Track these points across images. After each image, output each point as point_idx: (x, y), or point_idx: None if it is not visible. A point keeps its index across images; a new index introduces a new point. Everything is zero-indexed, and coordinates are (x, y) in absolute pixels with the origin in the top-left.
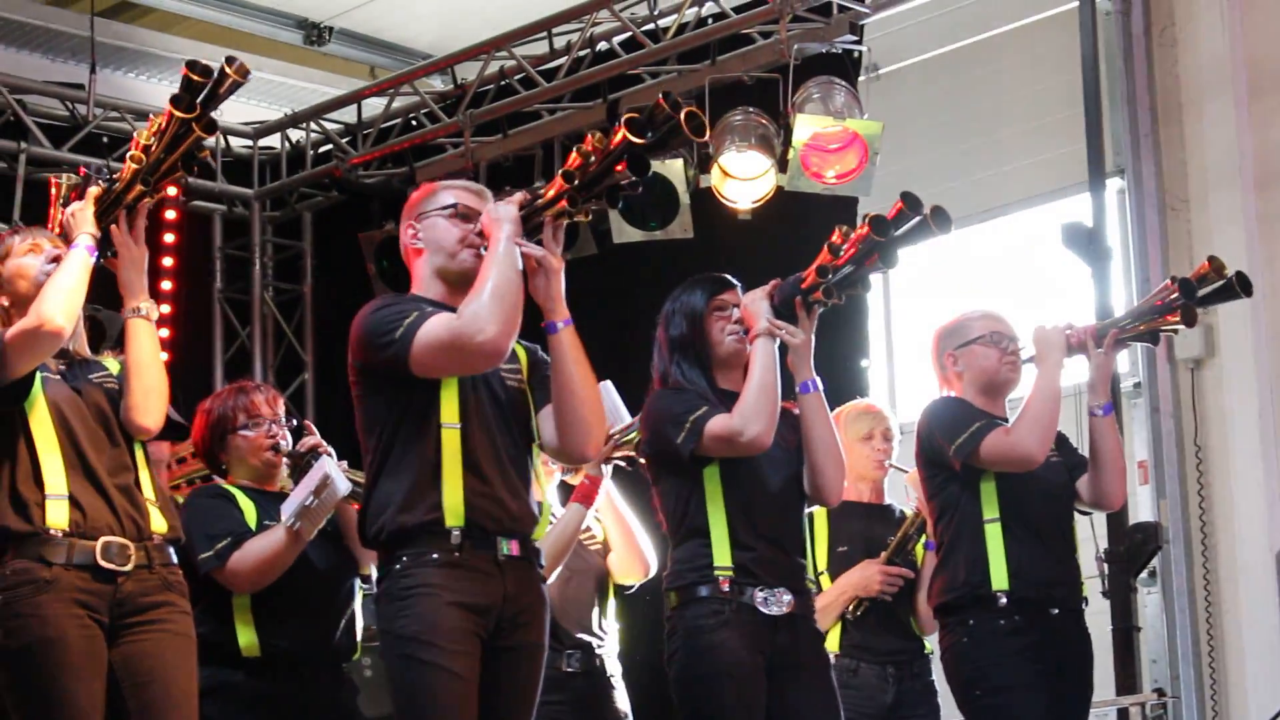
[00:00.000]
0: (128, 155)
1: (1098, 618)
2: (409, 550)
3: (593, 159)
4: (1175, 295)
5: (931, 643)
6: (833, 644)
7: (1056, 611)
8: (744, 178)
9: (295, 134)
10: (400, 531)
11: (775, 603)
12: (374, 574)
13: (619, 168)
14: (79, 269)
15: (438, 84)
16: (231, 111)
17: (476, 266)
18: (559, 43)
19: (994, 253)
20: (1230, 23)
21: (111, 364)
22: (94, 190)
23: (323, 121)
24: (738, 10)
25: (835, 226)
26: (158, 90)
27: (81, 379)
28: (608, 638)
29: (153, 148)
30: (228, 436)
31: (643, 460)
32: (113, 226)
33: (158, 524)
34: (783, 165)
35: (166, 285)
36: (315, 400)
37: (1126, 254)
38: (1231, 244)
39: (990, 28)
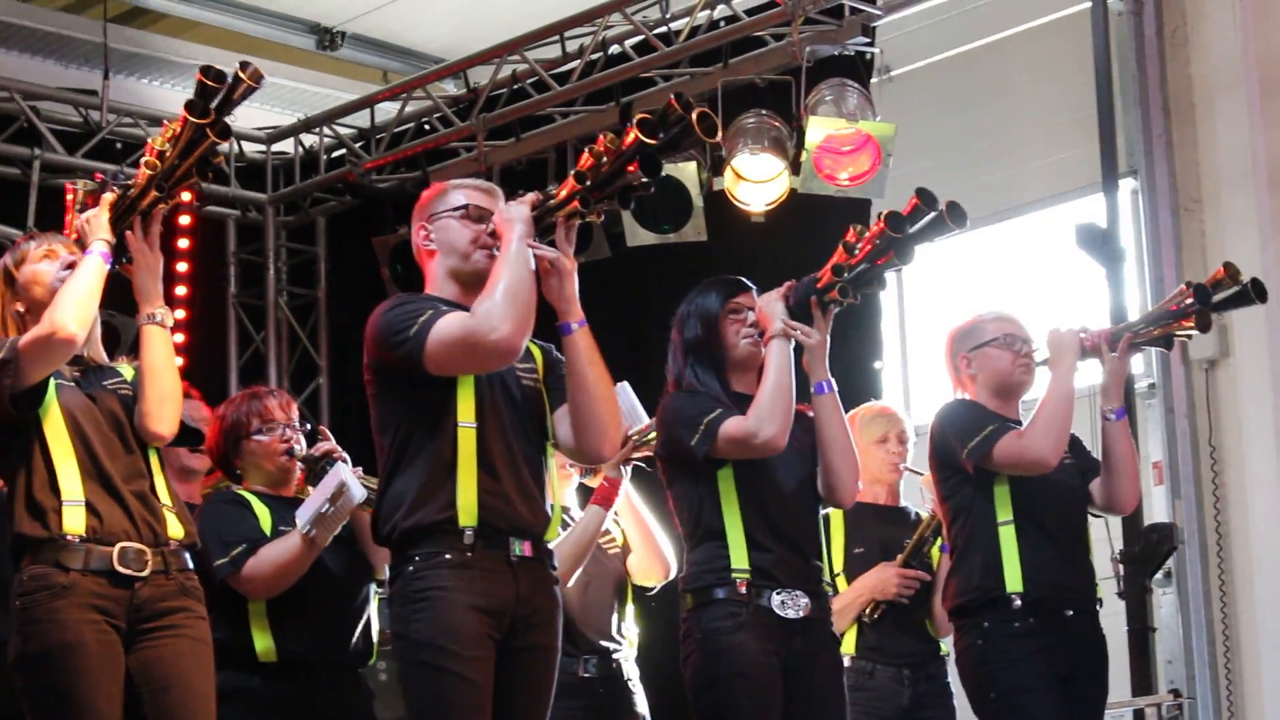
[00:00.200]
0: (142, 161)
1: (1113, 619)
2: (421, 550)
3: (605, 159)
4: (1190, 301)
5: (947, 645)
6: (849, 646)
7: (1071, 613)
8: (757, 180)
9: (309, 139)
10: (413, 530)
11: (792, 605)
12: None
13: (631, 168)
14: (94, 275)
15: (450, 88)
16: (245, 117)
17: (489, 267)
18: (571, 46)
19: (1007, 254)
20: (1242, 22)
21: (126, 370)
22: (109, 196)
23: (336, 126)
24: (750, 13)
25: (849, 226)
26: (171, 96)
27: (96, 385)
28: (626, 642)
29: (167, 153)
30: (242, 442)
31: (657, 464)
32: (128, 232)
33: (174, 530)
34: (796, 168)
35: (181, 291)
36: (330, 405)
37: (1140, 255)
38: (1245, 244)
39: (1002, 29)
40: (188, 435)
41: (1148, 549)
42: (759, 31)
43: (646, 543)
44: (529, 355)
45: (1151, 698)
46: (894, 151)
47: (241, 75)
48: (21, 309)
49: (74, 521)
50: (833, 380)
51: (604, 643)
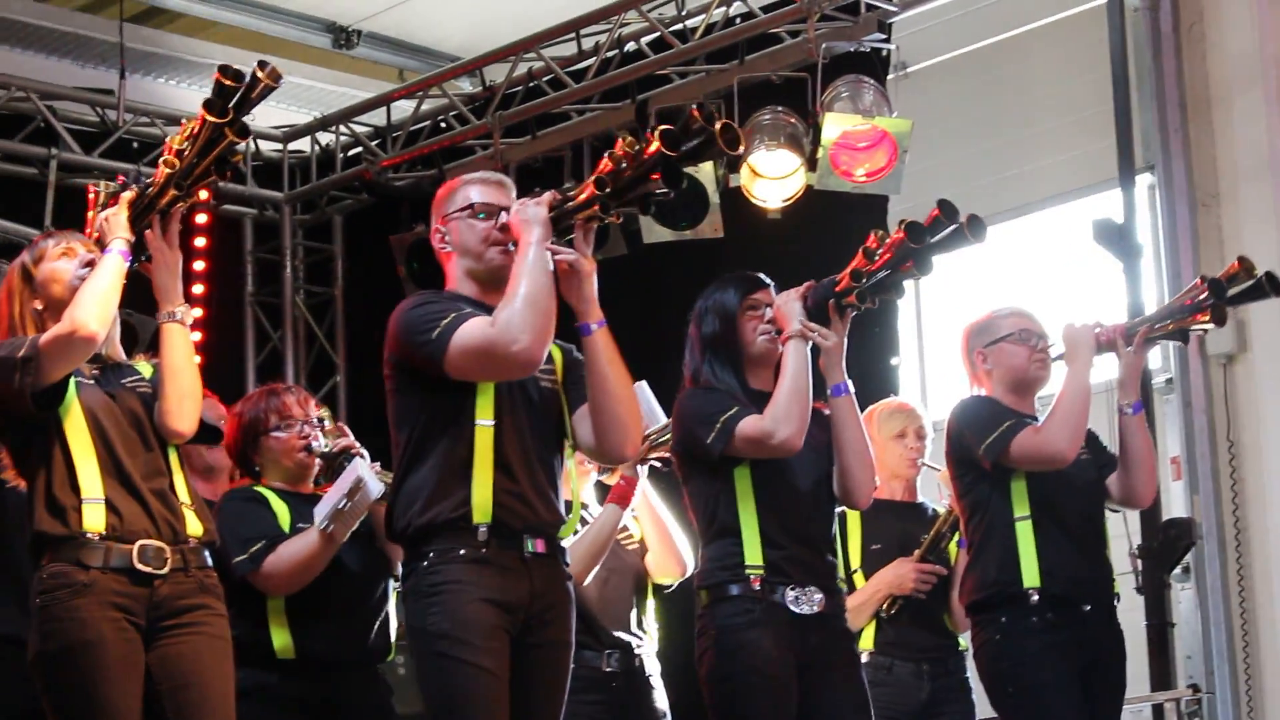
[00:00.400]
0: (161, 160)
1: (1132, 614)
2: (435, 546)
3: (625, 165)
4: (1205, 295)
5: (966, 640)
6: (867, 642)
7: (1088, 608)
8: (773, 177)
9: (325, 137)
10: (427, 526)
11: (806, 602)
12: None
13: (653, 177)
14: (113, 274)
15: (466, 86)
16: (261, 115)
17: (505, 263)
18: (587, 44)
19: (1024, 250)
20: (1259, 18)
21: (145, 368)
22: (127, 195)
23: (352, 124)
24: (765, 10)
25: (871, 230)
26: (187, 95)
27: (115, 384)
28: (646, 637)
29: (186, 152)
30: (260, 438)
31: (673, 461)
32: (147, 231)
33: (193, 527)
34: (812, 164)
35: (198, 289)
36: (348, 403)
37: (1157, 250)
38: (1262, 239)
39: (1019, 25)
40: (207, 433)
41: (1166, 544)
42: (775, 28)
43: (663, 540)
44: (548, 356)
45: (1170, 693)
46: (910, 147)
47: (260, 74)
48: (40, 307)
49: (94, 519)
50: (850, 382)
51: (625, 637)
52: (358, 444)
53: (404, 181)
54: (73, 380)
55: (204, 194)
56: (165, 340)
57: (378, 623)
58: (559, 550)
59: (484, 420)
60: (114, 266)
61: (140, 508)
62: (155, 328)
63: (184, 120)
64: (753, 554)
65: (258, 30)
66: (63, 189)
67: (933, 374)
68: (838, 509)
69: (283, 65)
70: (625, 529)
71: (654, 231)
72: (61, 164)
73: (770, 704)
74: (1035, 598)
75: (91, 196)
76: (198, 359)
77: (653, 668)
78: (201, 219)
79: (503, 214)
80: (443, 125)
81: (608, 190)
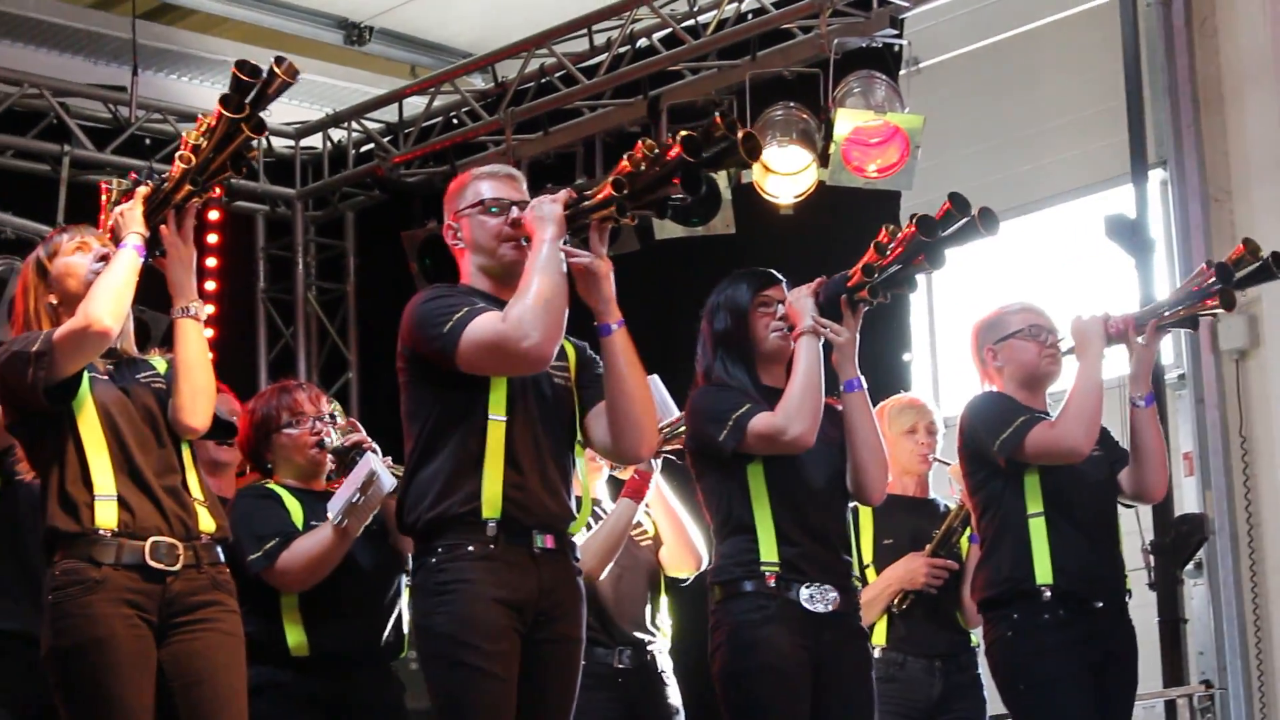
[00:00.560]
0: (176, 155)
1: (1144, 610)
2: (444, 541)
3: (644, 167)
4: (1212, 280)
5: (978, 636)
6: (879, 638)
7: (1101, 604)
8: (785, 173)
9: (337, 134)
10: (437, 520)
11: (821, 599)
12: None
13: (672, 182)
14: (127, 269)
15: (478, 82)
16: (274, 112)
17: (518, 259)
18: (599, 40)
19: (1037, 245)
20: (1271, 12)
21: (159, 363)
22: (142, 190)
23: (364, 121)
24: (777, 5)
25: (882, 225)
26: (199, 92)
27: (129, 379)
28: (660, 634)
29: (202, 147)
30: (272, 435)
31: (687, 456)
32: (162, 226)
33: (205, 524)
34: (824, 160)
35: (210, 286)
36: (360, 399)
37: (1169, 245)
38: (1275, 233)
39: (1031, 20)
40: (220, 429)
41: (1178, 540)
42: (787, 24)
43: (678, 534)
44: (561, 353)
45: (1183, 689)
46: (923, 143)
47: (277, 70)
48: (55, 301)
49: (106, 516)
50: (862, 378)
51: (638, 634)
52: (369, 439)
53: (416, 178)
54: (86, 375)
55: (217, 190)
56: (179, 336)
57: (391, 619)
58: (569, 546)
59: (496, 415)
60: (129, 261)
61: (152, 504)
62: (168, 323)
63: (200, 116)
64: (768, 550)
65: (270, 27)
66: (75, 185)
67: (945, 369)
68: (850, 505)
69: (295, 62)
70: (638, 524)
71: (665, 228)
72: (74, 160)
73: (784, 701)
74: (1047, 594)
75: (105, 196)
76: (210, 355)
77: (665, 664)
78: (214, 215)
79: (514, 209)
80: (455, 121)
81: (625, 192)
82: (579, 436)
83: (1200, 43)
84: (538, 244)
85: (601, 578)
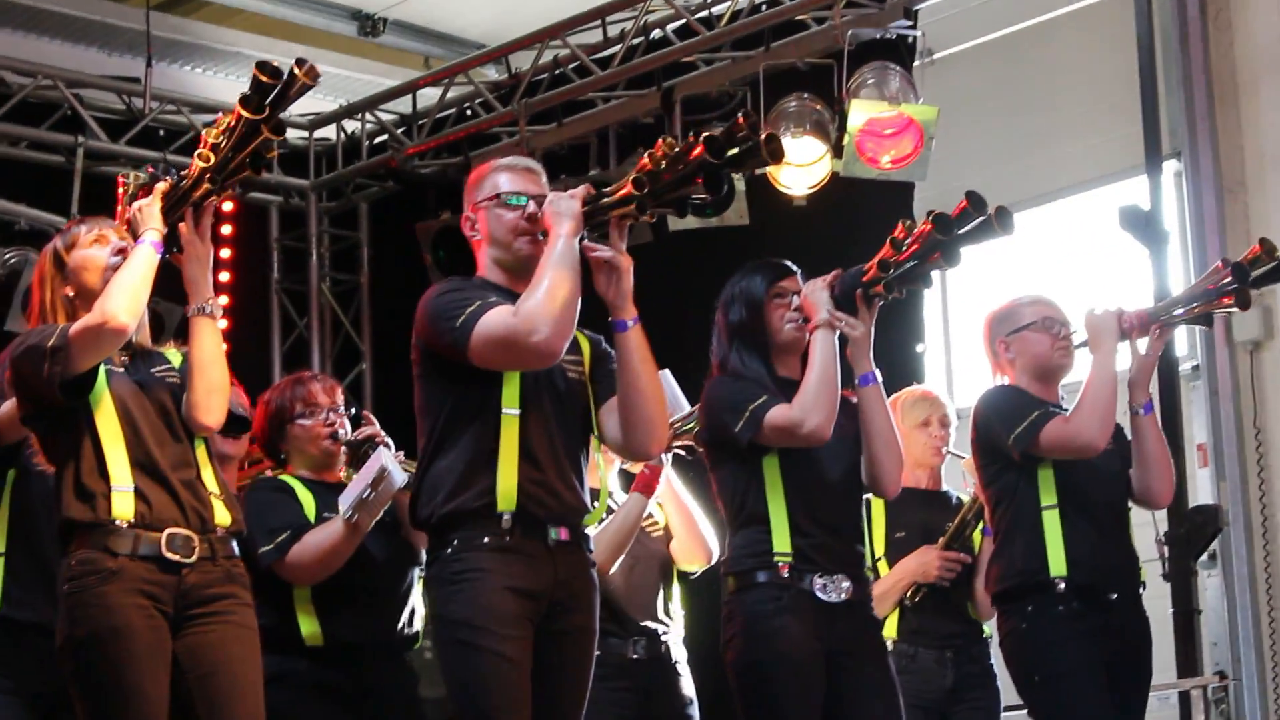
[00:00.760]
0: (195, 154)
1: (1158, 601)
2: (459, 534)
3: (665, 166)
4: (1228, 279)
5: (990, 627)
6: (891, 630)
7: (1114, 596)
8: (799, 164)
9: (351, 125)
10: (452, 514)
11: (834, 589)
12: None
13: (695, 182)
14: (145, 266)
15: (492, 73)
16: None
17: (533, 253)
18: (613, 31)
19: (1051, 237)
20: None
21: (174, 356)
22: (161, 186)
23: (378, 112)
24: None
25: (898, 220)
26: (213, 83)
27: (145, 372)
28: (673, 624)
29: (221, 147)
30: (286, 426)
31: (700, 449)
32: (180, 224)
33: (221, 517)
34: (838, 151)
35: (224, 277)
36: (373, 391)
37: (1184, 237)
38: None
39: (1045, 12)
40: (235, 423)
41: (1192, 531)
42: (801, 15)
43: (688, 528)
44: (576, 346)
45: (1197, 679)
46: (936, 134)
47: (297, 72)
48: (71, 294)
49: (122, 507)
50: (877, 371)
51: (651, 624)
52: (382, 432)
53: (430, 169)
54: (103, 368)
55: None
56: (195, 334)
57: (404, 611)
58: (583, 538)
59: (510, 409)
60: (146, 258)
61: (169, 496)
62: (181, 316)
63: (219, 112)
64: (781, 541)
65: (284, 18)
66: (89, 177)
67: (958, 361)
68: (864, 497)
69: (309, 53)
70: (650, 516)
71: (679, 219)
72: (88, 152)
73: (797, 691)
74: (1062, 586)
75: (121, 189)
76: (225, 347)
77: (679, 654)
78: (227, 207)
79: (531, 203)
80: (468, 112)
81: (646, 190)
82: (594, 430)
83: (1215, 35)
84: (554, 239)
85: (613, 570)
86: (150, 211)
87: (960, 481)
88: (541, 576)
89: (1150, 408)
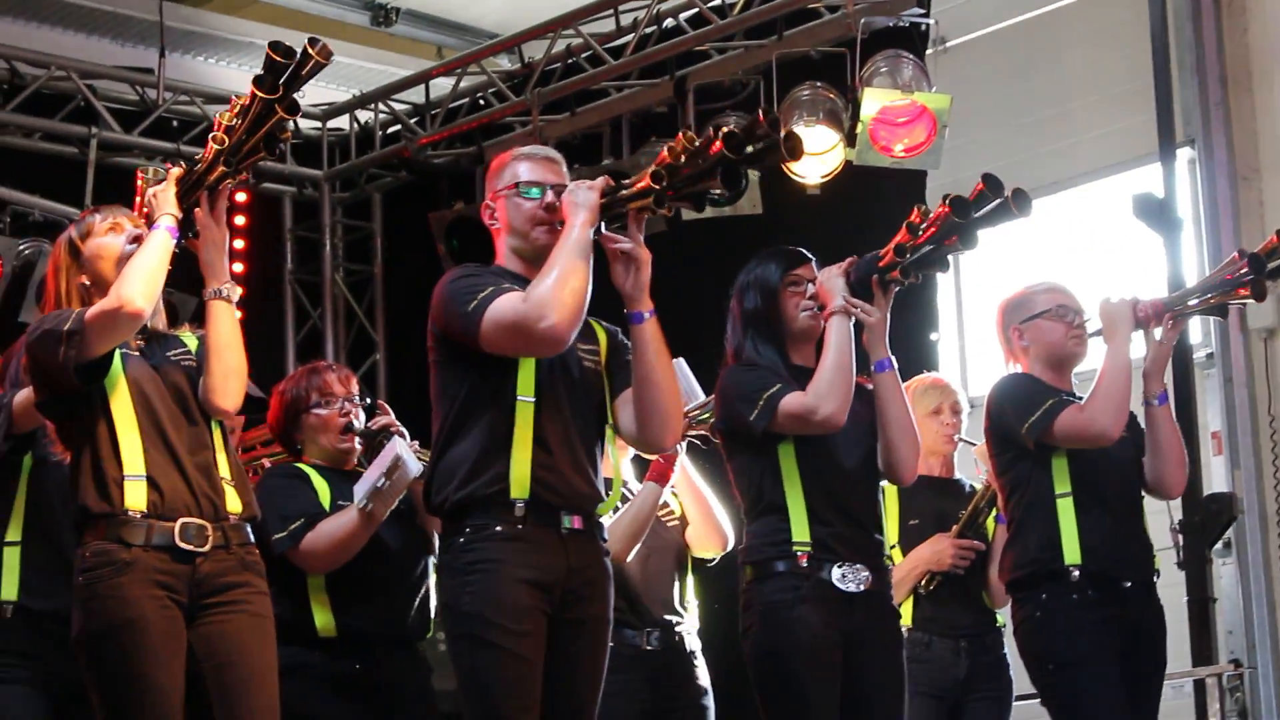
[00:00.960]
0: (210, 136)
1: (1173, 589)
2: (472, 521)
3: (683, 161)
4: (1244, 270)
5: (1004, 615)
6: (905, 618)
7: (1129, 584)
8: (812, 153)
9: (364, 115)
10: (465, 501)
11: (853, 579)
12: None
13: (712, 180)
14: (161, 250)
15: (505, 63)
16: (301, 93)
17: (551, 242)
18: (625, 20)
19: (1064, 225)
20: None
21: (190, 340)
22: (176, 171)
23: (391, 102)
24: None
25: (914, 205)
26: (226, 74)
27: (161, 356)
28: (688, 614)
29: (235, 128)
30: (301, 415)
31: (716, 439)
32: (196, 208)
33: (233, 504)
34: (851, 140)
35: (237, 268)
36: (387, 381)
37: (1198, 224)
38: None
39: None
40: (252, 405)
41: (1207, 519)
42: (813, 4)
43: (704, 516)
44: (593, 336)
45: (1212, 668)
46: (949, 122)
47: (310, 51)
48: (87, 282)
49: (135, 497)
50: (893, 358)
51: (666, 615)
52: (397, 422)
53: (443, 159)
54: (118, 352)
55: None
56: (211, 317)
57: (418, 600)
58: (597, 526)
59: (524, 396)
60: (161, 243)
61: (183, 483)
62: (196, 304)
63: (233, 97)
64: (799, 530)
65: (297, 8)
66: (103, 168)
67: (972, 348)
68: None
69: None
70: (665, 504)
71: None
72: (102, 143)
73: (816, 680)
74: (1076, 574)
75: (140, 183)
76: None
77: (694, 645)
78: (241, 197)
79: (550, 192)
80: (481, 102)
81: (664, 184)
82: (609, 420)
83: (1228, 22)
84: (569, 228)
85: (628, 560)
86: (165, 197)
87: (973, 469)
88: (554, 565)
89: (1164, 398)
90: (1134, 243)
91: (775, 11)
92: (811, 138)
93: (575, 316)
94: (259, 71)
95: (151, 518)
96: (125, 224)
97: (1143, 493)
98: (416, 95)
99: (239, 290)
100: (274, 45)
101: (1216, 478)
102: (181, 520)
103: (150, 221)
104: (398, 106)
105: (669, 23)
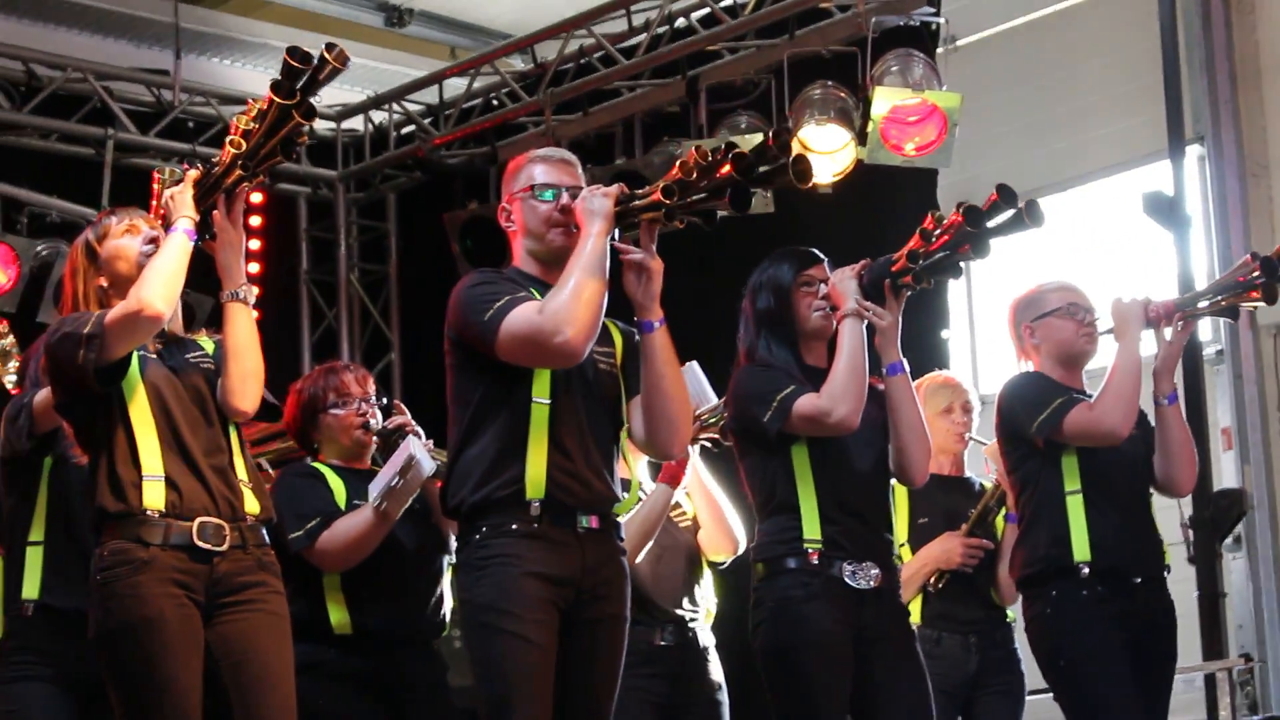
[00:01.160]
0: (227, 140)
1: (1183, 584)
2: (488, 521)
3: (695, 177)
4: (1256, 273)
5: (1014, 611)
6: (915, 615)
7: (1139, 580)
8: (824, 151)
9: (378, 116)
10: (481, 503)
11: (863, 576)
12: (453, 544)
13: (721, 200)
14: (178, 253)
15: (518, 63)
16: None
17: (566, 244)
18: (638, 20)
19: (1074, 222)
20: None
21: (207, 343)
22: (193, 174)
23: (405, 103)
24: None
25: (926, 209)
26: (242, 75)
27: (178, 358)
28: (701, 611)
29: (252, 133)
30: (318, 415)
31: (727, 441)
32: (213, 211)
33: (251, 505)
34: (862, 138)
35: (253, 268)
36: (402, 380)
37: (1207, 221)
38: None
39: None
40: (267, 411)
41: (1217, 514)
42: (824, 3)
43: (715, 519)
44: (609, 338)
45: (1222, 662)
46: (960, 121)
47: (327, 56)
48: (105, 284)
49: (154, 497)
50: (905, 361)
51: (679, 611)
52: (413, 421)
53: (457, 159)
54: (136, 355)
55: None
56: (229, 319)
57: (433, 599)
58: (613, 526)
59: (540, 399)
60: (179, 245)
61: (200, 484)
62: (212, 306)
63: (249, 99)
64: (811, 528)
65: (311, 9)
66: (119, 169)
67: (983, 347)
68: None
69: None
70: (677, 505)
71: None
72: (118, 144)
73: (827, 676)
74: (1086, 571)
75: (156, 185)
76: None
77: (707, 640)
78: (256, 198)
79: (565, 194)
80: (495, 103)
81: (675, 199)
82: (624, 421)
83: (1237, 18)
84: (584, 238)
85: (638, 561)
86: (183, 199)
87: (983, 468)
88: (569, 563)
89: (1175, 398)
90: (1144, 240)
91: (787, 11)
92: (823, 136)
93: (591, 329)
94: (274, 74)
95: (169, 517)
96: (141, 226)
97: (1152, 490)
98: (430, 96)
99: (255, 291)
100: (291, 50)
101: (1226, 473)
102: (199, 520)
103: (167, 223)
104: (412, 107)
105: (681, 23)
